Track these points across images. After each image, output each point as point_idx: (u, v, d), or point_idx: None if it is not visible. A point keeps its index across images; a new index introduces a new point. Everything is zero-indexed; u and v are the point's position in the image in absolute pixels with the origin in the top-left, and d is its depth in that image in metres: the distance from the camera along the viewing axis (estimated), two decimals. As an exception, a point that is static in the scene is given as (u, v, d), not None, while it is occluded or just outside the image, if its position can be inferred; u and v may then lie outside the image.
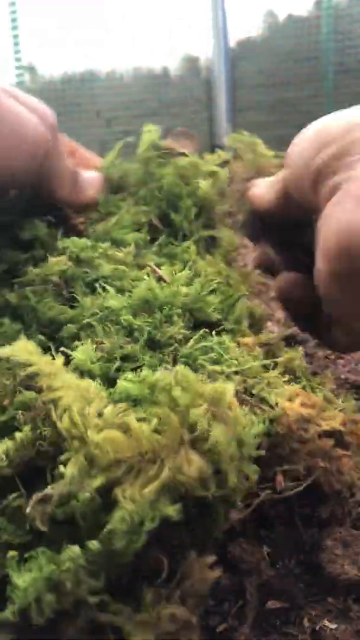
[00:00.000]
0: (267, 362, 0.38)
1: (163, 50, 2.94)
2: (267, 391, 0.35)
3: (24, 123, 0.40)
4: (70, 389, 0.29)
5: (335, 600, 0.32)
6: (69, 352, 0.34)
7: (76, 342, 0.36)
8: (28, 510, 0.26)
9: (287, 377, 0.37)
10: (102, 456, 0.26)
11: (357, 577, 0.33)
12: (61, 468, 0.27)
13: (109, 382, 0.33)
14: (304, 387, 0.37)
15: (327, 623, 0.31)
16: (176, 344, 0.36)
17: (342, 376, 0.62)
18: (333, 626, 0.30)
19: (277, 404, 0.34)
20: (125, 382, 0.31)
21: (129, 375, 0.32)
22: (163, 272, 0.42)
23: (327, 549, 0.34)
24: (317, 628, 0.30)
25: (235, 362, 0.36)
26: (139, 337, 0.36)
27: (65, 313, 0.39)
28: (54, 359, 0.31)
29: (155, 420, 0.27)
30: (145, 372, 0.31)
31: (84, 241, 0.43)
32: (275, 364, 0.39)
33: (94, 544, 0.25)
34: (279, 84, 2.71)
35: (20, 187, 0.45)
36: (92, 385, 0.30)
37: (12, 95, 0.40)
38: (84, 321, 0.37)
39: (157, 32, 2.85)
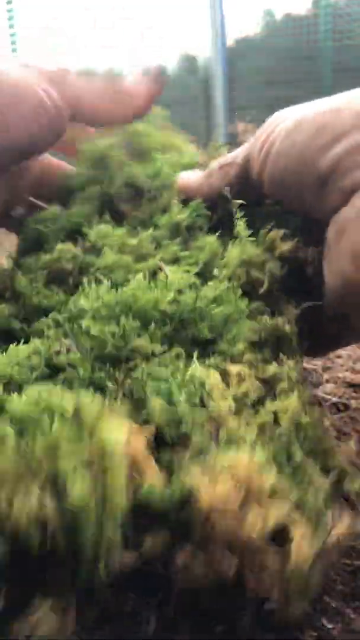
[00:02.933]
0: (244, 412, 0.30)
1: (161, 49, 2.94)
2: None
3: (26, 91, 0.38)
4: None
5: (333, 599, 0.32)
6: None
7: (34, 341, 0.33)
8: None
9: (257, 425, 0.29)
10: None
11: (354, 576, 0.33)
12: None
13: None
14: (275, 456, 0.27)
15: (324, 623, 0.31)
16: (137, 361, 0.31)
17: (340, 375, 0.62)
18: (330, 626, 0.30)
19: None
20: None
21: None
22: (171, 271, 0.37)
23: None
24: (315, 627, 0.30)
25: (196, 396, 0.28)
26: (94, 347, 0.32)
27: (49, 303, 0.37)
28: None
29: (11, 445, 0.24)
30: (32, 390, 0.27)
31: (100, 228, 0.41)
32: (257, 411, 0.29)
33: None
34: (276, 82, 2.71)
35: (41, 151, 0.43)
36: None
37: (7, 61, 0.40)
38: (58, 318, 0.35)
39: (155, 31, 2.85)
